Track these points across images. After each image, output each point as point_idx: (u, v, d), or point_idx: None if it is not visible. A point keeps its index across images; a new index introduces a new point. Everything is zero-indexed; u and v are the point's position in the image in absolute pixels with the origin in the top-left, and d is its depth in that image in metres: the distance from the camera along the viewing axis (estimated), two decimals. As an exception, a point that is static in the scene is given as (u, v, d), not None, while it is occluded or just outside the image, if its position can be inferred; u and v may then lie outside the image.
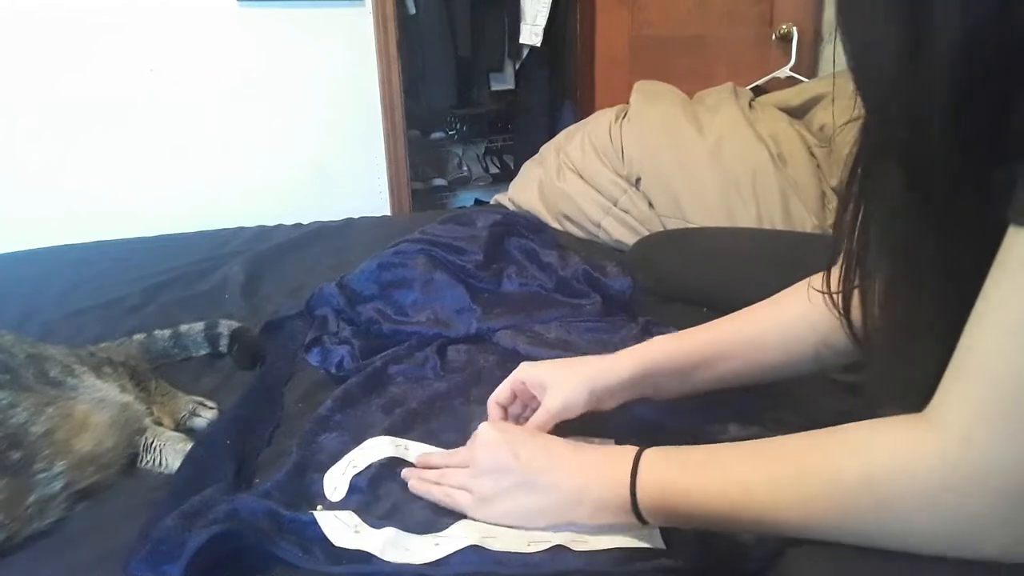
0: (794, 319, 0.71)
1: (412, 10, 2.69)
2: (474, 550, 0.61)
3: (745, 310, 0.76)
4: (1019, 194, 0.40)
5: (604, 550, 0.61)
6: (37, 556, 0.67)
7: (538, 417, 0.73)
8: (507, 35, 2.85)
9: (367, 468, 0.74)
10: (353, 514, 0.67)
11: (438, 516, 0.67)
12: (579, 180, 1.62)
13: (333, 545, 0.62)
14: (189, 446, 0.79)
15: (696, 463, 0.57)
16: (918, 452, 0.44)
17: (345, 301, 1.12)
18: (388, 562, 0.61)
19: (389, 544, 0.62)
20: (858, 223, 0.54)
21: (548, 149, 1.84)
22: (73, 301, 1.28)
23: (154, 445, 0.80)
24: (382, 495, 0.71)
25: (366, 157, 2.33)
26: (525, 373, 0.77)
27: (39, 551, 0.68)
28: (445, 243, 1.23)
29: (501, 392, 0.78)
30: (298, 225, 1.70)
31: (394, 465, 0.75)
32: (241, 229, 1.67)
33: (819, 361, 0.70)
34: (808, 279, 0.70)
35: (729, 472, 0.54)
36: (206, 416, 0.91)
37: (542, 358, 0.96)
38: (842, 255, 0.58)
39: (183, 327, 1.09)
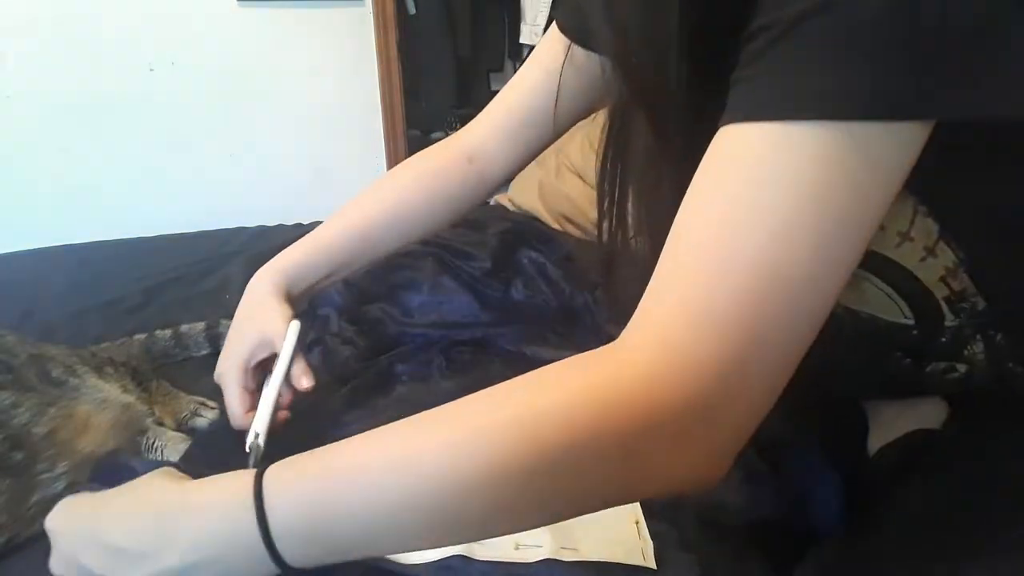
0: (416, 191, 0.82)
1: (412, 10, 2.69)
2: (459, 559, 0.60)
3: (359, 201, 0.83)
4: (732, 97, 0.40)
5: (593, 562, 0.60)
6: (39, 557, 0.67)
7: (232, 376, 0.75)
8: (507, 35, 2.86)
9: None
10: None
11: None
12: (579, 181, 1.62)
13: None
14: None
15: (336, 456, 0.43)
16: (602, 375, 0.40)
17: (351, 300, 1.12)
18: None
19: None
20: (617, 182, 0.59)
21: (548, 149, 1.84)
22: (73, 301, 1.28)
23: (155, 445, 0.80)
24: None
25: (366, 157, 2.33)
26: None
27: (41, 552, 0.68)
28: (455, 248, 1.23)
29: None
30: (298, 225, 1.70)
31: None
32: (241, 229, 1.67)
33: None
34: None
35: (391, 450, 0.42)
36: (208, 416, 0.91)
37: (547, 359, 0.96)
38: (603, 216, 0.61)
39: (184, 327, 1.09)
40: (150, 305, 1.27)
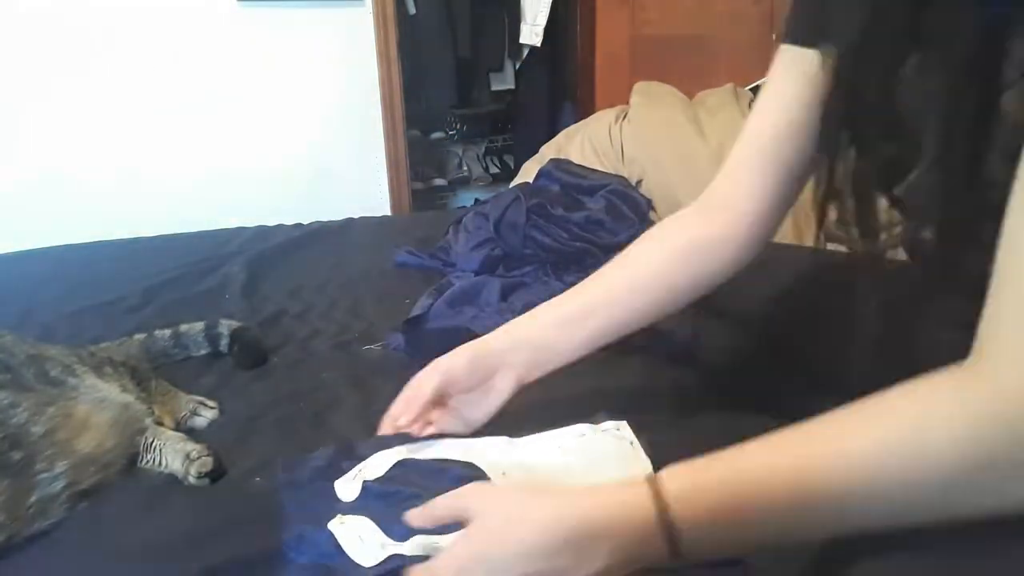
0: (655, 262, 0.76)
1: (412, 10, 2.69)
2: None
3: (609, 265, 0.79)
4: None
5: None
6: (38, 556, 0.67)
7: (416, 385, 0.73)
8: (507, 35, 2.86)
9: (380, 478, 0.72)
10: (372, 523, 0.65)
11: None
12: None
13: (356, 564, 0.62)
14: (189, 446, 0.79)
15: (730, 454, 0.49)
16: (1000, 419, 0.42)
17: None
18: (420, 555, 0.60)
19: (419, 547, 0.62)
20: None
21: (548, 149, 1.84)
22: (73, 301, 1.28)
23: (154, 445, 0.80)
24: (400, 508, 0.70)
25: (366, 157, 2.33)
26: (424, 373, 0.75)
27: (40, 551, 0.68)
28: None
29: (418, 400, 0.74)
30: (298, 225, 1.70)
31: (407, 475, 0.73)
32: (241, 229, 1.67)
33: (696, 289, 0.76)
34: (669, 219, 0.79)
35: (783, 470, 0.47)
36: (207, 416, 0.90)
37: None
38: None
39: (183, 327, 1.08)
40: (149, 305, 1.27)
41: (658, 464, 0.71)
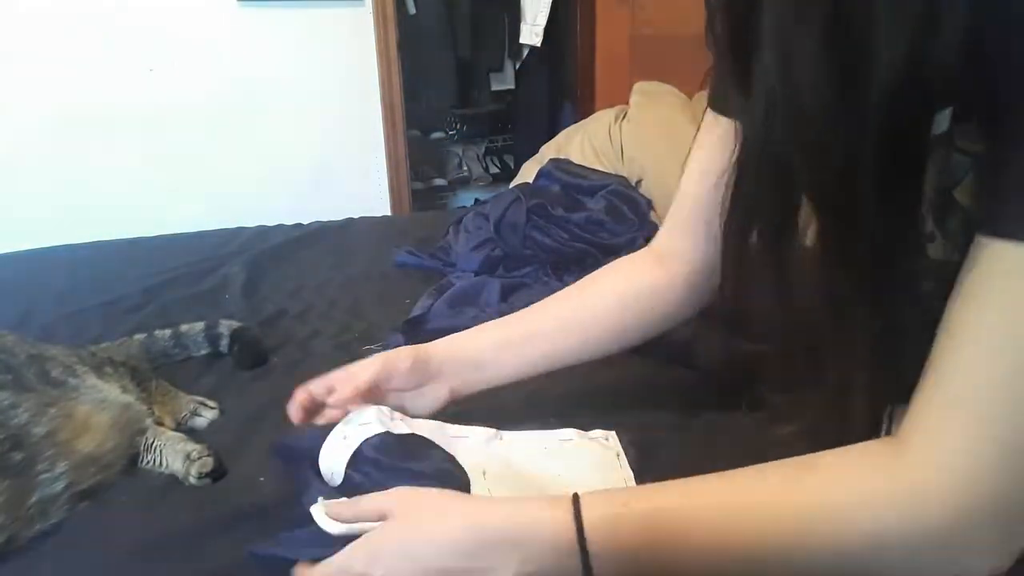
0: (607, 299, 0.76)
1: (412, 10, 2.70)
2: None
3: (562, 293, 0.80)
4: (996, 205, 0.40)
5: None
6: (38, 557, 0.67)
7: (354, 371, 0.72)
8: (507, 35, 2.86)
9: (363, 444, 0.69)
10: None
11: None
12: (579, 180, 1.62)
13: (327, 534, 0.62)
14: (190, 446, 0.79)
15: (655, 490, 0.51)
16: (919, 496, 0.43)
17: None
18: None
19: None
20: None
21: (548, 149, 1.84)
22: (73, 301, 1.28)
23: (155, 445, 0.80)
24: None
25: (366, 157, 2.33)
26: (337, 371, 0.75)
27: (40, 552, 0.68)
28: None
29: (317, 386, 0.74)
30: (298, 225, 1.70)
31: (391, 448, 0.71)
32: (241, 229, 1.67)
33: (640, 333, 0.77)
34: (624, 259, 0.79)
35: (705, 521, 0.48)
36: (207, 416, 0.91)
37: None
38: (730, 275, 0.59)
39: (183, 327, 1.08)
40: (150, 305, 1.27)
41: (654, 466, 0.71)
